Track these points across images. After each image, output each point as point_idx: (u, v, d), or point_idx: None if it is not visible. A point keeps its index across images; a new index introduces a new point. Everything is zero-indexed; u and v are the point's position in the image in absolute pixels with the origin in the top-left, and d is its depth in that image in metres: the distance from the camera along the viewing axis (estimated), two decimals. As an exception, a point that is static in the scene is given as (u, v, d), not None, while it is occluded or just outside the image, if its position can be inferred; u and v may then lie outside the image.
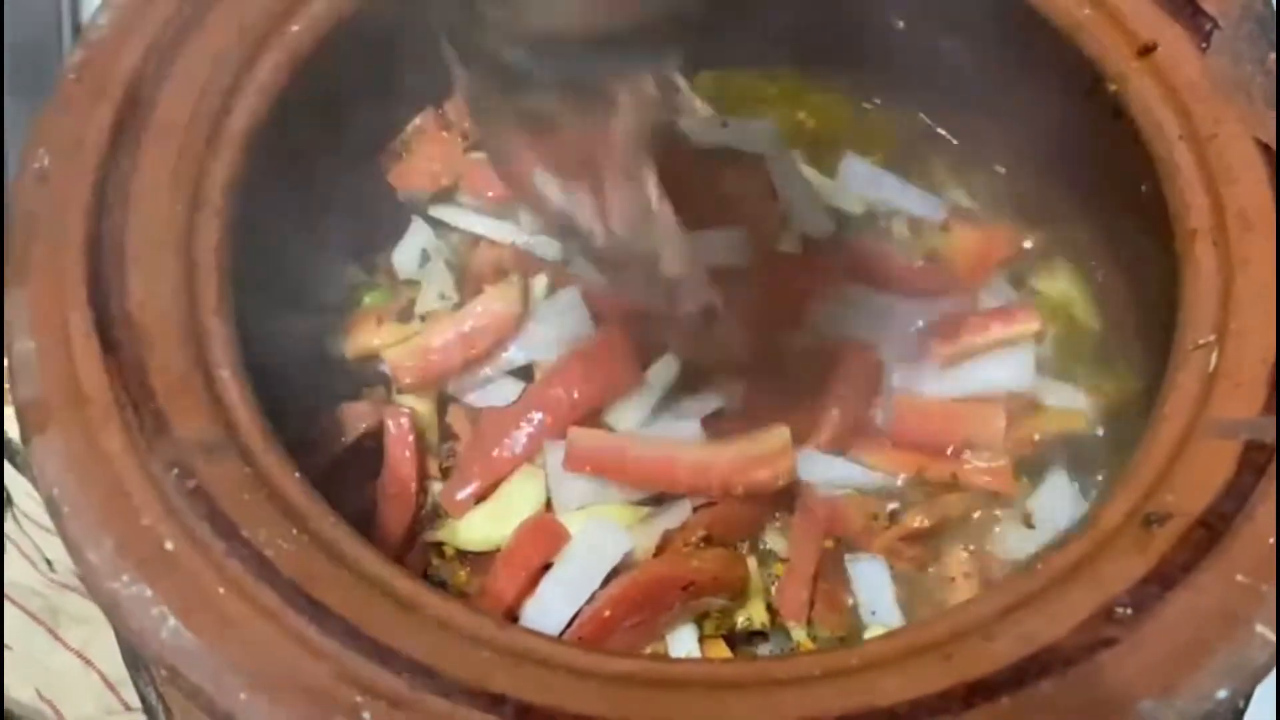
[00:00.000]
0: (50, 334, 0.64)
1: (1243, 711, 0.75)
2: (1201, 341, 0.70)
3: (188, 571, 0.57)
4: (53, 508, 0.59)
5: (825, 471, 0.83)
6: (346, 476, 0.80)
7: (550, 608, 0.72)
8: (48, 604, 1.01)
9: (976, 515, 0.84)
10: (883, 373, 0.88)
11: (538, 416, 0.80)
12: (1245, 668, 0.57)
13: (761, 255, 0.91)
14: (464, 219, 0.91)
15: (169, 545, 0.58)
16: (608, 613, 0.72)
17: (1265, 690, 0.66)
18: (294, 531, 0.60)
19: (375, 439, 0.82)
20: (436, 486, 0.82)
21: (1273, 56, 0.76)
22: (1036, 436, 0.86)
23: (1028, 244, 0.96)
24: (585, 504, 0.77)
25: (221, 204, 0.71)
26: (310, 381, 0.85)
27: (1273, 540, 0.61)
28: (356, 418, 0.82)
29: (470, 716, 0.54)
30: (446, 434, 0.85)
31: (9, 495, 1.07)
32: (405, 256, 0.91)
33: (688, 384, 0.84)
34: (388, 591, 0.59)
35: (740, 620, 0.77)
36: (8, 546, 1.04)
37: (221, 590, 0.57)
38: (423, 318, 0.86)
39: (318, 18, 0.79)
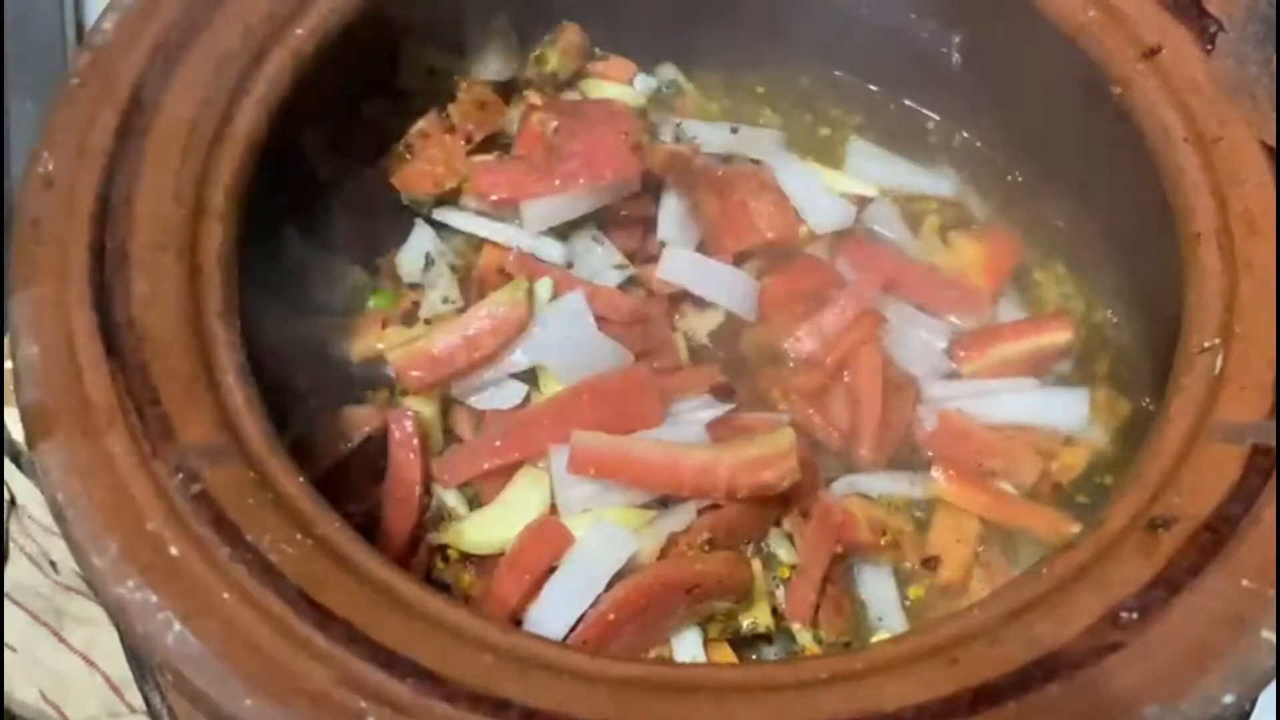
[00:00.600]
0: (55, 338, 0.64)
1: (1248, 715, 0.75)
2: (1206, 345, 0.70)
3: (192, 576, 0.57)
4: (57, 512, 0.59)
5: (861, 482, 0.84)
6: (350, 480, 0.80)
7: (555, 611, 0.72)
8: (51, 606, 1.01)
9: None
10: (916, 384, 0.89)
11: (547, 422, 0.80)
12: (1251, 672, 0.57)
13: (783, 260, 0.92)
14: (468, 222, 0.91)
15: (174, 550, 0.58)
16: (612, 616, 0.72)
17: (1266, 698, 0.66)
18: (298, 536, 0.60)
19: (379, 442, 0.82)
20: (440, 489, 0.82)
21: (1277, 58, 0.76)
22: (1067, 479, 0.88)
23: (1045, 255, 0.97)
24: (589, 507, 0.77)
25: (225, 208, 0.71)
26: (314, 384, 0.85)
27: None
28: (360, 421, 0.82)
29: (475, 721, 0.54)
30: (450, 437, 0.85)
31: (13, 497, 1.07)
32: (409, 260, 0.90)
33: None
34: (392, 596, 0.59)
35: (745, 623, 0.77)
36: (13, 549, 1.04)
37: (226, 595, 0.57)
38: (427, 321, 0.85)
39: (321, 21, 0.79)
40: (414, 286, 0.90)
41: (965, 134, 1.01)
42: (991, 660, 0.58)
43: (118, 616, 0.57)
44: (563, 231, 0.90)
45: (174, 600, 0.56)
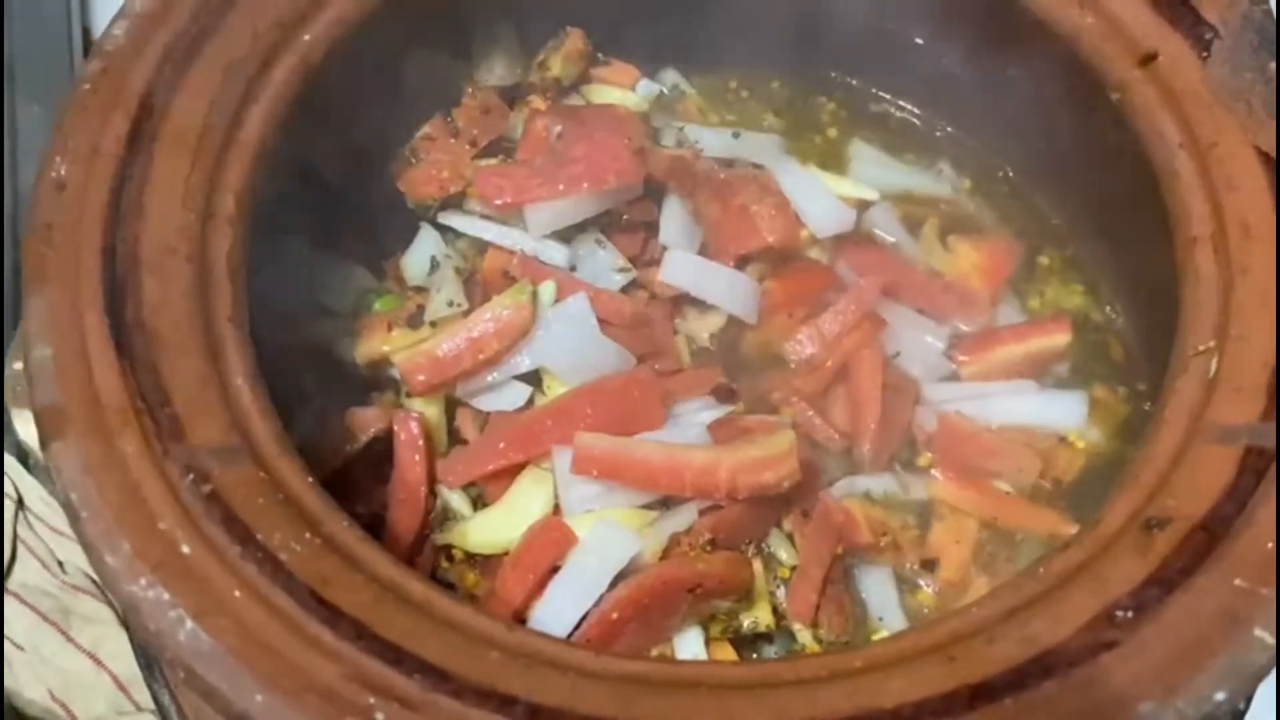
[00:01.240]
0: (67, 341, 0.64)
1: (1243, 713, 0.75)
2: (1202, 347, 0.70)
3: (204, 575, 0.58)
4: (71, 511, 0.60)
5: (861, 483, 0.86)
6: (356, 480, 0.81)
7: (559, 609, 0.73)
8: (59, 605, 1.02)
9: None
10: (916, 386, 0.90)
11: (550, 423, 0.81)
12: (1245, 670, 0.58)
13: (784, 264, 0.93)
14: (472, 225, 0.91)
15: (185, 549, 0.59)
16: (615, 614, 0.72)
17: (1265, 692, 0.67)
18: (307, 535, 0.61)
19: (384, 443, 0.83)
20: (445, 490, 0.83)
21: (1273, 65, 0.77)
22: (1067, 478, 0.88)
23: (1043, 259, 0.98)
24: (592, 508, 0.78)
25: (234, 212, 0.72)
26: (320, 386, 0.86)
27: (1272, 544, 0.62)
28: (366, 422, 0.83)
29: (482, 717, 0.55)
30: (455, 438, 0.86)
31: (21, 498, 1.08)
32: (414, 263, 0.91)
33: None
34: (400, 594, 0.60)
35: (746, 623, 0.78)
36: (20, 549, 1.05)
37: (237, 593, 0.58)
38: (432, 323, 0.86)
39: (328, 27, 0.80)
40: (419, 289, 0.91)
41: (965, 139, 1.02)
42: (989, 658, 0.59)
43: (130, 614, 0.58)
44: (566, 235, 0.91)
45: (186, 598, 0.57)
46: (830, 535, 0.81)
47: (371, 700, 0.55)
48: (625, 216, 0.92)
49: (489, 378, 0.85)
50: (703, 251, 0.93)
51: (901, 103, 1.04)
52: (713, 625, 0.77)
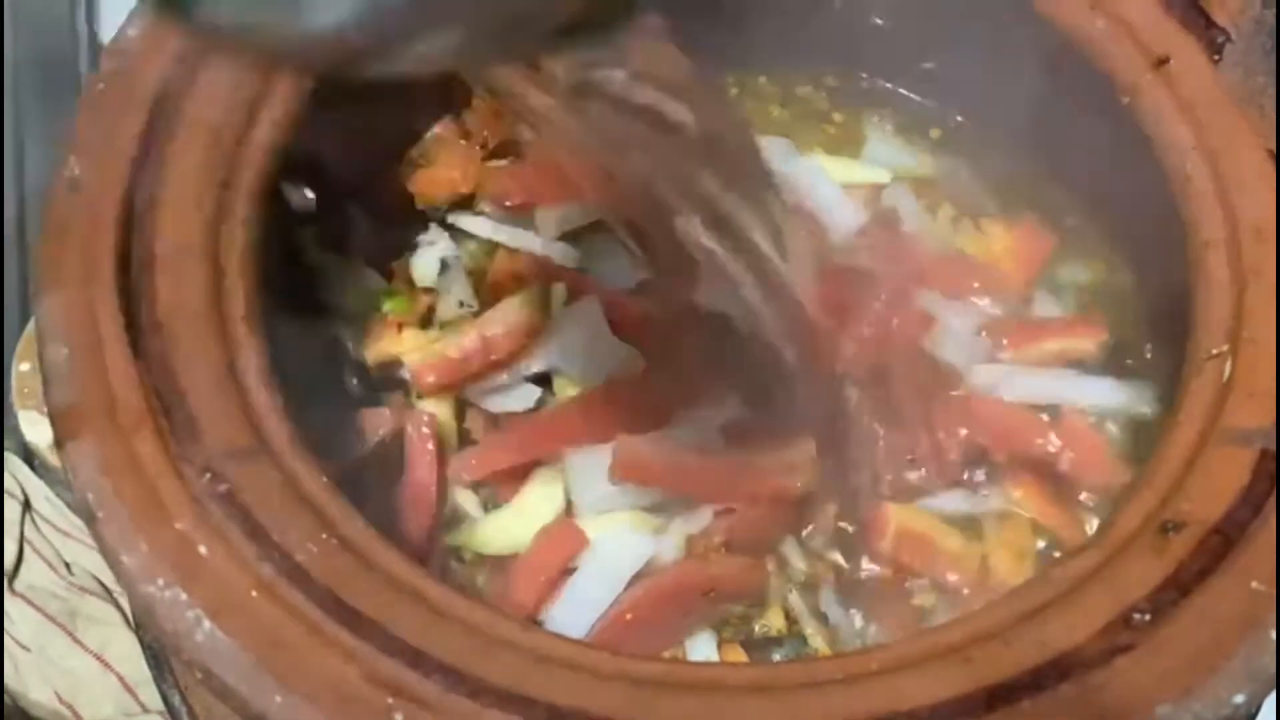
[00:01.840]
0: (82, 340, 0.65)
1: (1254, 716, 0.76)
2: (1215, 351, 0.70)
3: (221, 575, 0.58)
4: (87, 512, 0.60)
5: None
6: (367, 481, 0.81)
7: (575, 612, 0.73)
8: (66, 606, 1.02)
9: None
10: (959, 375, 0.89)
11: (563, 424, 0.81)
12: (1261, 672, 0.58)
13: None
14: (482, 227, 0.92)
15: (202, 549, 0.59)
16: (630, 615, 0.73)
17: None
18: (324, 536, 0.61)
19: (395, 444, 0.83)
20: (456, 490, 0.83)
21: (1286, 69, 0.77)
22: None
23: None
24: (607, 509, 0.78)
25: (247, 212, 0.72)
26: (329, 387, 0.86)
27: (1289, 547, 0.62)
28: (376, 423, 0.83)
29: (499, 718, 0.55)
30: (465, 439, 0.86)
31: (27, 499, 1.07)
32: (424, 264, 0.91)
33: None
34: (416, 595, 0.60)
35: (758, 627, 0.78)
36: (27, 551, 1.05)
37: (254, 594, 0.58)
38: (443, 325, 0.86)
39: (341, 28, 0.80)
40: (428, 290, 0.91)
41: (975, 140, 1.02)
42: (1006, 660, 0.59)
43: (147, 614, 0.58)
44: (576, 236, 0.91)
45: (203, 598, 0.57)
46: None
47: (390, 701, 0.55)
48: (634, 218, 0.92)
49: (499, 379, 0.85)
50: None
51: (907, 102, 1.04)
52: (725, 629, 0.77)
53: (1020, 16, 0.86)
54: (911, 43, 0.97)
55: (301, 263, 0.89)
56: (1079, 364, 0.90)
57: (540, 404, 0.85)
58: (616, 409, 0.80)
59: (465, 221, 0.92)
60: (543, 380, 0.86)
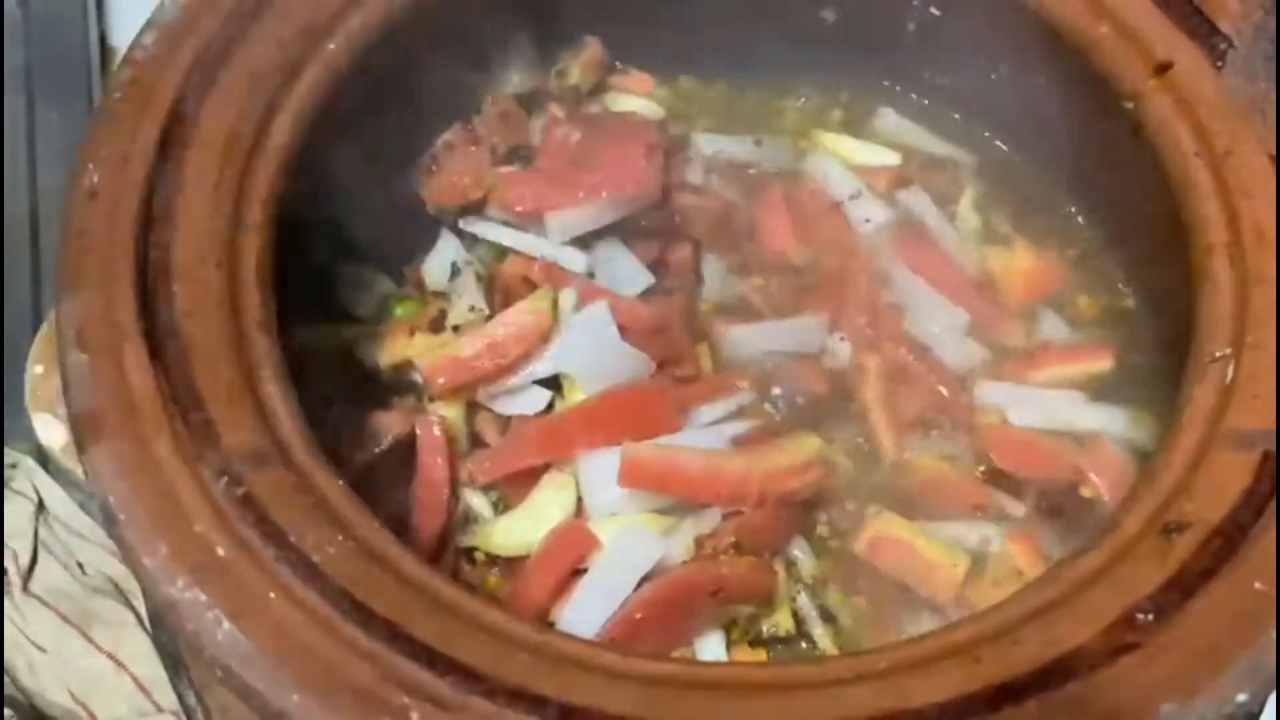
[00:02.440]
0: (102, 346, 0.66)
1: (1257, 715, 0.76)
2: (1219, 354, 0.71)
3: (239, 576, 0.59)
4: (108, 514, 0.61)
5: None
6: (379, 483, 0.81)
7: (585, 612, 0.74)
8: (80, 607, 1.03)
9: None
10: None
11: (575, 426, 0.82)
12: (1263, 672, 0.59)
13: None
14: (493, 232, 0.92)
15: (221, 551, 0.60)
16: (639, 615, 0.73)
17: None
18: (339, 538, 0.62)
19: (407, 446, 0.84)
20: (468, 492, 0.84)
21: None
22: None
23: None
24: (617, 511, 0.79)
25: (262, 218, 0.73)
26: (343, 390, 0.87)
27: (1291, 548, 0.62)
28: (388, 425, 0.84)
29: (514, 718, 0.56)
30: (476, 441, 0.87)
31: (41, 501, 1.08)
32: (435, 268, 0.92)
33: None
34: (430, 596, 0.61)
35: (766, 627, 0.78)
36: (41, 552, 1.06)
37: (272, 594, 0.59)
38: (455, 328, 0.87)
39: (352, 37, 0.81)
40: (439, 295, 0.92)
41: (979, 142, 1.03)
42: (1012, 659, 0.60)
43: (168, 615, 0.59)
44: (585, 241, 0.91)
45: (223, 599, 0.58)
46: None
47: (406, 700, 0.56)
48: (643, 223, 0.92)
49: (509, 382, 0.85)
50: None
51: (914, 95, 1.05)
52: (734, 629, 0.78)
53: (1023, 22, 0.87)
54: (917, 46, 0.98)
55: (315, 268, 0.90)
56: (1085, 388, 0.91)
57: (550, 407, 0.86)
58: (626, 412, 0.81)
59: (476, 226, 0.93)
60: (552, 383, 0.87)
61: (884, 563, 0.82)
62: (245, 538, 0.60)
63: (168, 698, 0.98)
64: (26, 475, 1.09)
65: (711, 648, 0.77)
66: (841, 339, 0.91)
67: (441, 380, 0.84)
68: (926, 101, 1.03)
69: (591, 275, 0.91)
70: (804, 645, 0.80)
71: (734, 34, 1.02)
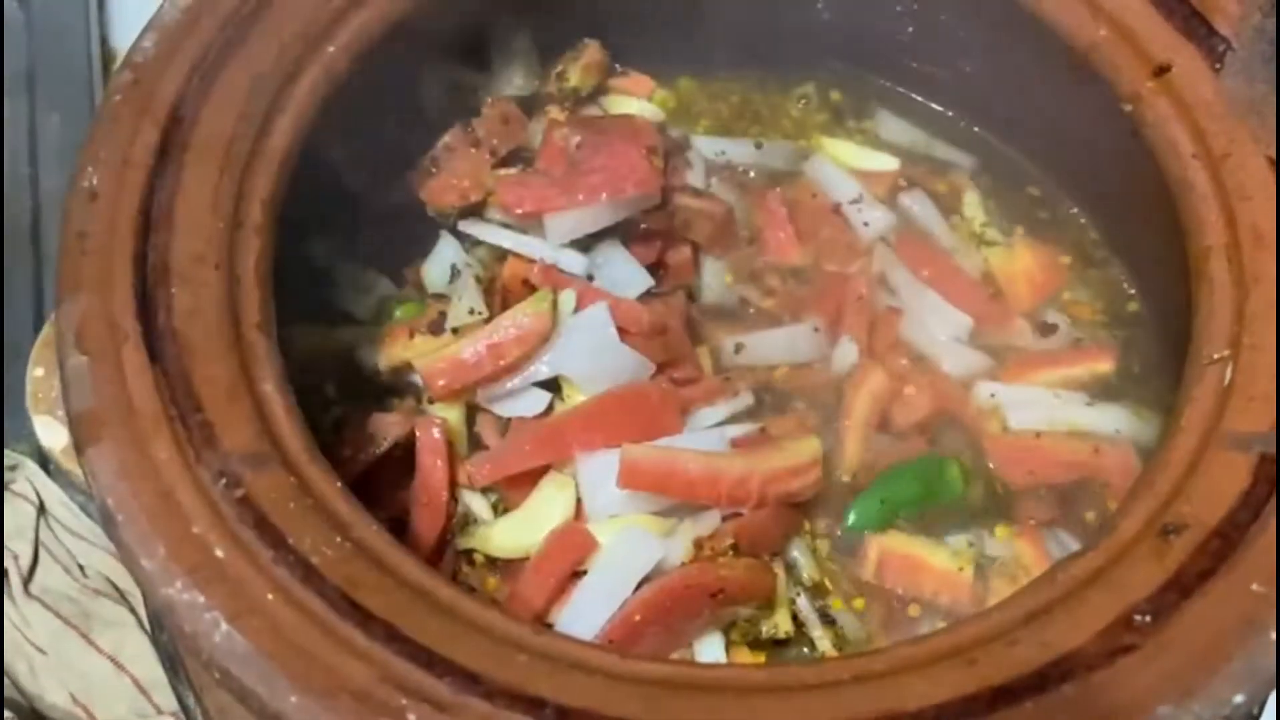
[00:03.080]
0: (101, 348, 0.66)
1: (1255, 717, 0.76)
2: (1216, 356, 0.71)
3: (238, 577, 0.59)
4: (106, 516, 0.61)
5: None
6: (378, 485, 0.82)
7: (584, 614, 0.74)
8: (80, 609, 1.03)
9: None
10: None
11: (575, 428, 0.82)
12: (1261, 673, 0.59)
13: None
14: (492, 234, 0.92)
15: (219, 552, 0.60)
16: (638, 617, 0.73)
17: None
18: (337, 539, 0.62)
19: (406, 449, 0.84)
20: (467, 494, 0.84)
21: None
22: None
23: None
24: (617, 513, 0.79)
25: (261, 221, 0.73)
26: (342, 392, 0.87)
27: (1288, 550, 0.62)
28: (388, 427, 0.84)
29: (512, 719, 0.56)
30: (475, 443, 0.87)
31: (42, 502, 1.09)
32: (435, 271, 0.92)
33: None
34: (428, 597, 0.61)
35: (765, 629, 0.78)
36: (42, 554, 1.06)
37: (270, 596, 0.59)
38: (454, 331, 0.87)
39: (352, 39, 0.81)
40: (439, 297, 0.92)
41: (979, 144, 1.03)
42: (1009, 661, 0.60)
43: (166, 616, 0.59)
44: (584, 243, 0.91)
45: (221, 600, 0.58)
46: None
47: (404, 702, 0.56)
48: (643, 225, 0.92)
49: (509, 384, 0.85)
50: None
51: (916, 97, 1.05)
52: (733, 631, 0.78)
53: (1022, 24, 0.87)
54: (917, 48, 0.98)
55: (314, 270, 0.90)
56: (1087, 389, 0.91)
57: (550, 409, 0.86)
58: (626, 414, 0.81)
59: (475, 228, 0.93)
60: (552, 385, 0.87)
61: (894, 580, 0.83)
62: (244, 539, 0.60)
63: (168, 699, 0.98)
64: (27, 477, 1.09)
65: (710, 649, 0.77)
66: (842, 343, 0.91)
67: (441, 382, 0.84)
68: (926, 104, 1.03)
69: (591, 278, 0.91)
70: (804, 648, 0.80)
71: (734, 36, 1.02)
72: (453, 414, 0.86)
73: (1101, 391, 0.91)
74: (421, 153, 0.93)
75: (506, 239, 0.92)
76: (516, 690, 0.57)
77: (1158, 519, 0.65)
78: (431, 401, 0.86)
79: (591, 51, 0.99)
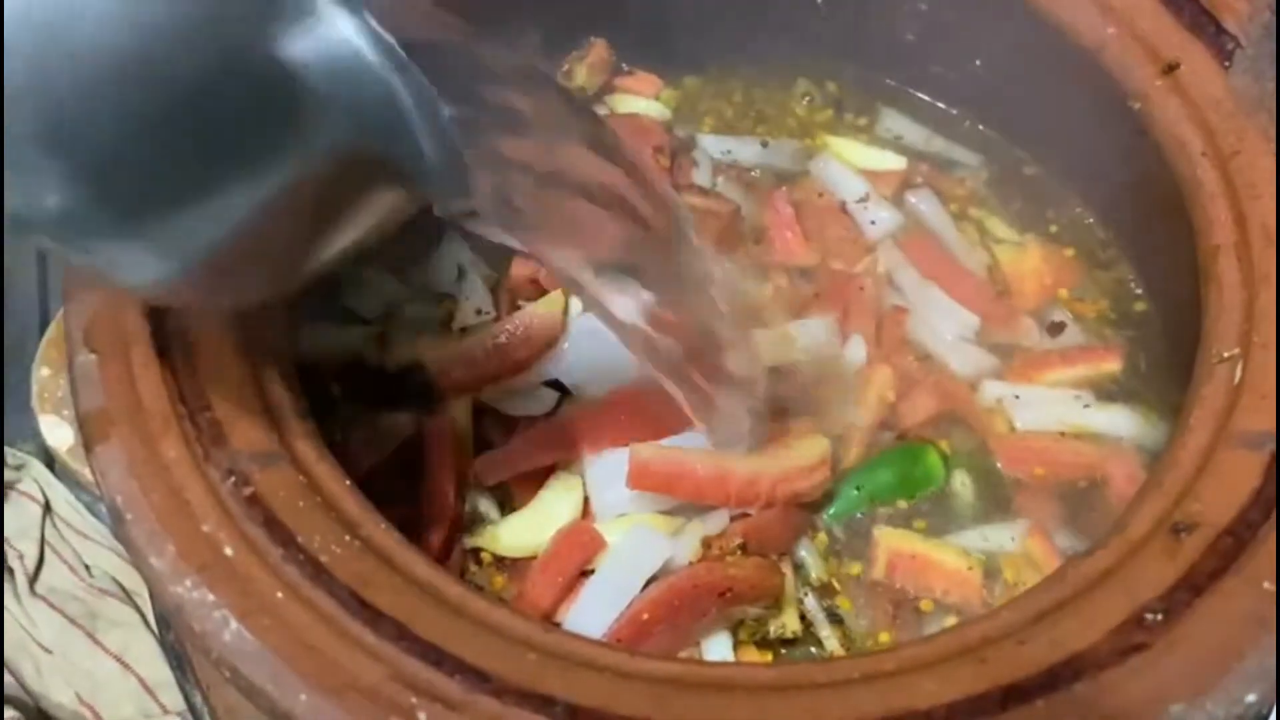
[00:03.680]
0: (110, 346, 0.66)
1: (1266, 716, 0.76)
2: (1226, 354, 0.71)
3: (247, 576, 0.59)
4: (115, 514, 0.61)
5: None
6: (385, 484, 0.81)
7: (592, 613, 0.74)
8: (86, 609, 1.03)
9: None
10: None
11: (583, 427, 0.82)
12: (1273, 673, 0.58)
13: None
14: (499, 233, 0.92)
15: (228, 551, 0.60)
16: (646, 615, 0.73)
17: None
18: (347, 538, 0.62)
19: (413, 448, 0.84)
20: (474, 493, 0.84)
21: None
22: None
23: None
24: (625, 512, 0.79)
25: (269, 219, 0.73)
26: (349, 391, 0.87)
27: (1300, 549, 0.62)
28: (395, 427, 0.84)
29: (522, 717, 0.56)
30: (483, 442, 0.87)
31: (48, 502, 1.09)
32: (441, 270, 0.92)
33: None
34: (438, 596, 0.61)
35: (773, 628, 0.78)
36: (48, 553, 1.06)
37: (280, 594, 0.59)
38: (462, 331, 0.87)
39: (359, 37, 0.81)
40: (446, 297, 0.92)
41: (987, 143, 1.03)
42: (1020, 660, 0.59)
43: (175, 615, 0.59)
44: (591, 244, 0.91)
45: (230, 599, 0.58)
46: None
47: (414, 700, 0.56)
48: (650, 225, 0.92)
49: (517, 383, 0.85)
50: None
51: (922, 95, 1.05)
52: (741, 630, 0.78)
53: (1030, 22, 0.87)
54: (924, 48, 0.98)
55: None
56: (1095, 389, 0.91)
57: (557, 408, 0.86)
58: (634, 413, 0.81)
59: (482, 227, 0.93)
60: (559, 385, 0.87)
61: (903, 580, 0.82)
62: (252, 537, 0.60)
63: (174, 699, 0.98)
64: (33, 477, 1.10)
65: (718, 648, 0.77)
66: (851, 342, 0.91)
67: (451, 374, 0.84)
68: (934, 102, 1.03)
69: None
70: (811, 649, 0.80)
71: (740, 35, 1.02)
72: (460, 413, 0.86)
73: (1109, 391, 0.90)
74: (427, 150, 0.93)
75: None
76: (526, 688, 0.57)
77: (1168, 518, 0.65)
78: (440, 398, 0.86)
79: (598, 50, 0.99)
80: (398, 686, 0.56)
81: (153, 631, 1.01)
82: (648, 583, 0.75)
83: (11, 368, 1.07)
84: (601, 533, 0.79)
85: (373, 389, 0.87)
